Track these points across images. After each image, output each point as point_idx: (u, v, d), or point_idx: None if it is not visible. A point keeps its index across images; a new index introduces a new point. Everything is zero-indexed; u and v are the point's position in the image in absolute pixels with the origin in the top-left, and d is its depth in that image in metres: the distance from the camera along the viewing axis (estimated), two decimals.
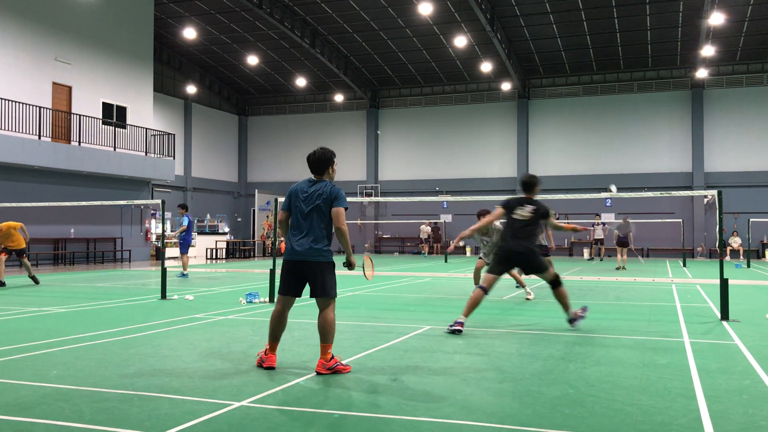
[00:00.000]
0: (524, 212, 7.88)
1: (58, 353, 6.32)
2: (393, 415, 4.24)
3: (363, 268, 6.47)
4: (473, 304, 7.73)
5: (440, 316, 9.37)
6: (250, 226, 38.27)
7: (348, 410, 4.33)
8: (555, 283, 7.93)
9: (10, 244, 14.46)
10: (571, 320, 7.93)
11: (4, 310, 9.85)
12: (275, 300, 5.40)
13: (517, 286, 13.31)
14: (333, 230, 5.74)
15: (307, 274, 5.59)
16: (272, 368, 5.56)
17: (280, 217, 5.82)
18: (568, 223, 8.20)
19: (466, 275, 18.10)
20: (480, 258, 11.62)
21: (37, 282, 14.59)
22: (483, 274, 8.22)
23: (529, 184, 8.18)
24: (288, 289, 5.68)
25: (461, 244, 11.73)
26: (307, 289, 5.69)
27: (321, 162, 5.75)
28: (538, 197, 8.23)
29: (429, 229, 34.58)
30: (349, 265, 5.88)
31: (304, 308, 10.16)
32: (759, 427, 4.01)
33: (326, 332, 5.50)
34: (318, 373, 5.36)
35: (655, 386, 5.03)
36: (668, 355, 6.30)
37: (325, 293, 5.58)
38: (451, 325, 7.65)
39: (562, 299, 7.93)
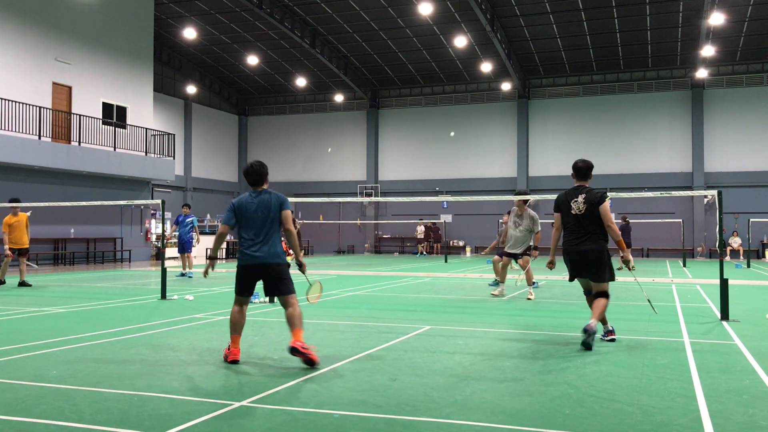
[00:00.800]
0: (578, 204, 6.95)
1: (58, 353, 6.32)
2: (393, 415, 4.24)
3: (309, 290, 6.75)
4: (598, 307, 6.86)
5: (440, 316, 9.37)
6: None
7: (348, 410, 4.33)
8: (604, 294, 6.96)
9: (12, 244, 14.33)
10: (605, 334, 7.11)
11: (4, 310, 9.85)
12: (235, 301, 5.94)
13: (493, 283, 13.37)
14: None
15: (268, 276, 6.05)
16: (236, 362, 5.86)
17: (222, 230, 6.23)
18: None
19: (466, 275, 18.10)
20: (505, 254, 12.01)
21: (27, 285, 14.12)
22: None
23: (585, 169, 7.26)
24: (245, 291, 6.14)
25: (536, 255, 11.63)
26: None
27: (259, 174, 6.22)
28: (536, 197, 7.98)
29: (423, 228, 34.74)
30: (299, 265, 6.28)
31: (304, 308, 10.15)
32: (759, 427, 4.01)
33: (298, 319, 5.99)
34: (292, 349, 5.74)
35: (655, 386, 5.03)
36: (668, 355, 6.30)
37: (288, 291, 6.05)
38: (603, 336, 7.04)
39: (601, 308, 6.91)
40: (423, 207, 35.95)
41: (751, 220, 26.74)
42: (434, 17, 28.97)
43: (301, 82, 36.69)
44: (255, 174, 6.21)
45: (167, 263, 17.31)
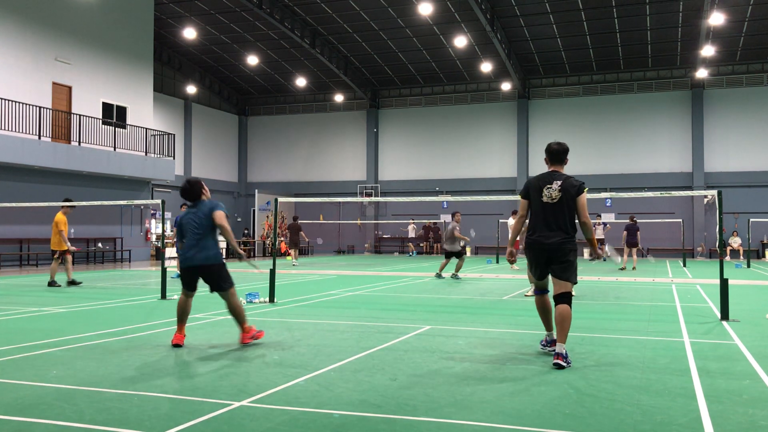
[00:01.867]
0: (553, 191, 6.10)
1: (58, 353, 6.32)
2: (393, 415, 4.24)
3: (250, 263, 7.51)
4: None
5: (440, 316, 9.37)
6: (251, 226, 38.27)
7: (348, 410, 4.33)
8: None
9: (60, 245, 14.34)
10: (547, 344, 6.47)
11: (4, 310, 9.85)
12: (182, 292, 6.89)
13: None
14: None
15: (204, 276, 6.81)
16: (179, 345, 6.61)
17: (176, 239, 7.20)
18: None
19: (466, 275, 18.10)
20: None
21: (56, 285, 14.20)
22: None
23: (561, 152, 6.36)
24: (189, 287, 6.88)
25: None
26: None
27: (193, 192, 6.92)
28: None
29: (413, 227, 35.05)
30: (239, 255, 6.93)
31: (304, 308, 10.17)
32: (759, 427, 4.01)
33: (238, 314, 6.80)
34: (244, 344, 6.67)
35: (655, 386, 5.03)
36: (668, 355, 6.30)
37: (222, 288, 6.80)
38: (543, 345, 6.52)
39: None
40: (423, 207, 35.95)
41: (751, 220, 26.74)
42: (434, 17, 28.97)
43: (301, 82, 36.69)
44: (189, 191, 6.92)
45: (167, 263, 17.34)
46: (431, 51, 32.92)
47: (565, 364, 5.67)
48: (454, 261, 17.23)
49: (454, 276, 16.45)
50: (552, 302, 6.23)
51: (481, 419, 4.13)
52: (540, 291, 6.35)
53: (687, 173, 32.35)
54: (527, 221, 6.32)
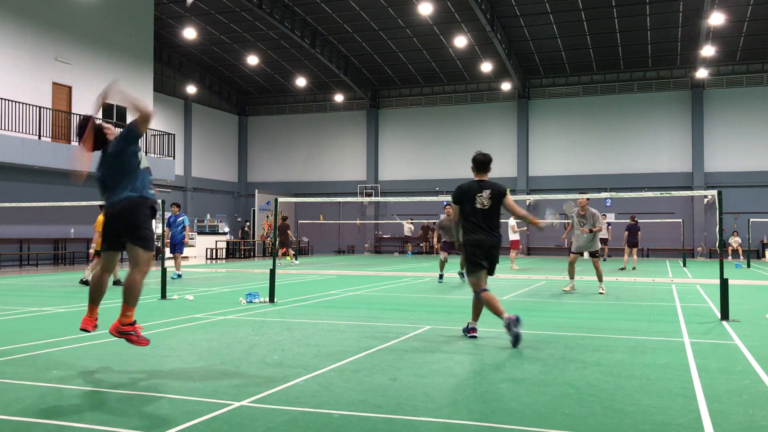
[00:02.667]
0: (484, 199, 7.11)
1: (58, 353, 6.32)
2: (393, 415, 4.24)
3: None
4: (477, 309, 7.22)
5: (440, 316, 9.37)
6: (251, 226, 38.26)
7: (348, 410, 4.33)
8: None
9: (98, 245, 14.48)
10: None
11: (4, 310, 9.85)
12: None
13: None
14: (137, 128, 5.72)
15: (121, 218, 5.50)
16: (86, 331, 5.66)
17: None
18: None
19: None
20: (572, 252, 12.97)
21: (121, 284, 14.32)
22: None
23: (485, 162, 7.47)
24: (110, 244, 5.64)
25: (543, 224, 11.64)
26: None
27: (81, 128, 5.90)
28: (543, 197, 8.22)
29: (410, 227, 35.16)
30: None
31: (304, 308, 10.17)
32: (759, 427, 4.01)
33: (130, 293, 5.46)
34: (110, 334, 5.49)
35: (655, 386, 5.03)
36: (668, 355, 6.30)
37: (138, 239, 5.45)
38: (466, 332, 7.28)
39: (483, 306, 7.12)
40: (423, 207, 35.95)
41: (751, 220, 26.73)
42: (434, 17, 28.97)
43: (301, 82, 36.69)
44: (81, 128, 5.94)
45: (167, 263, 17.33)
46: (431, 51, 32.91)
47: (519, 327, 6.65)
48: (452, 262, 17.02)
49: (461, 273, 15.50)
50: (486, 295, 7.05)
51: (481, 419, 4.13)
52: (483, 289, 7.06)
53: (687, 173, 32.35)
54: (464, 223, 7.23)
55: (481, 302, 7.04)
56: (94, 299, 5.66)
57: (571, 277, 13.01)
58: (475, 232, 7.08)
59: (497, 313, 6.86)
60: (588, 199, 12.68)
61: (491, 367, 5.79)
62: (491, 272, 7.13)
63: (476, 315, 7.21)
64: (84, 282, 14.37)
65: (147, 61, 27.47)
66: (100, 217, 14.36)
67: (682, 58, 32.16)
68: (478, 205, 7.09)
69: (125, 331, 5.37)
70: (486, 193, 7.14)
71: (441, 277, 15.92)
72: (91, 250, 14.74)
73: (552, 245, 33.23)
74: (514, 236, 21.56)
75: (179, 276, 16.86)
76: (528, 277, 17.32)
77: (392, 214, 36.47)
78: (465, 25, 29.51)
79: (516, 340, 6.60)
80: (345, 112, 38.66)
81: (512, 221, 21.83)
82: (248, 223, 37.60)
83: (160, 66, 33.06)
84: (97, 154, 5.93)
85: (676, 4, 27.11)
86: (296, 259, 26.47)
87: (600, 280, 12.78)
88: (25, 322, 8.65)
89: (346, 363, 5.86)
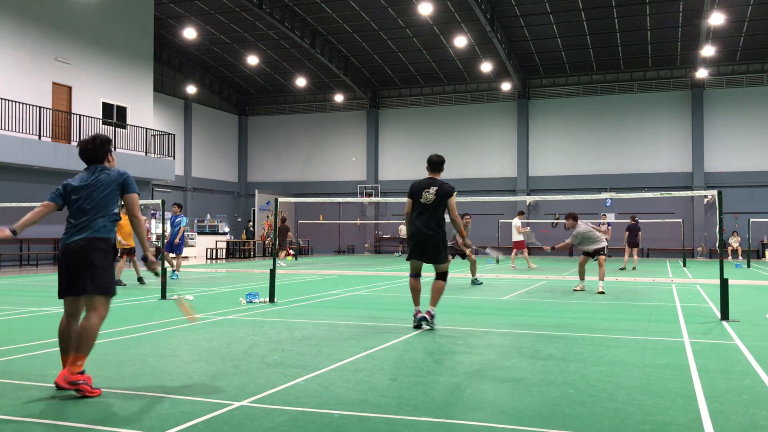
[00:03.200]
0: (429, 195, 7.91)
1: (58, 353, 6.31)
2: (393, 415, 4.24)
3: (181, 304, 5.78)
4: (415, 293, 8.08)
5: (440, 316, 9.36)
6: (253, 225, 38.25)
7: (348, 410, 4.33)
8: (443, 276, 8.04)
9: (119, 245, 14.54)
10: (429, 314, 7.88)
11: (4, 310, 9.85)
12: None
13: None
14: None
15: (79, 263, 4.84)
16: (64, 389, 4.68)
17: (47, 210, 5.17)
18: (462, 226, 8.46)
19: (466, 275, 18.09)
20: (584, 254, 13.16)
21: (143, 283, 14.57)
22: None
23: (438, 163, 8.29)
24: (66, 290, 4.93)
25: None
26: None
27: (98, 149, 5.16)
28: (544, 197, 8.55)
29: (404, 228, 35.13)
30: (145, 259, 5.22)
31: (304, 308, 10.17)
32: (759, 427, 4.01)
33: (84, 340, 4.74)
34: (57, 386, 4.66)
35: (655, 386, 5.03)
36: (668, 355, 6.30)
37: (96, 288, 4.75)
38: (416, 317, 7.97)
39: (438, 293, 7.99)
40: None
41: (751, 220, 26.74)
42: (434, 17, 28.96)
43: (301, 82, 36.69)
44: (94, 150, 5.19)
45: (174, 262, 17.36)
46: (431, 51, 32.91)
47: (429, 323, 7.77)
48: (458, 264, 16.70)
49: (475, 281, 15.07)
50: (419, 283, 8.01)
51: (481, 419, 4.13)
52: (414, 274, 8.02)
53: (687, 173, 32.35)
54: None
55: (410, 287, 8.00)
56: (65, 349, 4.87)
57: (582, 277, 13.18)
58: (413, 224, 7.90)
59: (414, 301, 7.95)
60: (572, 218, 12.83)
61: (491, 367, 5.79)
62: (428, 261, 7.90)
63: (415, 300, 7.99)
64: (141, 280, 14.77)
65: (147, 61, 27.46)
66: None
67: (682, 58, 32.16)
68: (423, 200, 7.87)
69: (75, 380, 4.60)
70: (432, 189, 7.88)
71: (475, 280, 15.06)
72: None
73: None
74: (517, 237, 21.55)
75: (175, 276, 16.93)
76: (528, 277, 17.32)
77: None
78: (465, 25, 29.51)
79: (418, 326, 7.82)
80: (345, 112, 38.65)
81: (517, 221, 21.82)
82: (251, 222, 37.62)
83: (160, 66, 33.06)
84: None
85: (676, 4, 27.10)
86: (291, 258, 26.48)
87: (601, 279, 12.84)
88: (25, 322, 8.65)
89: (346, 363, 5.86)
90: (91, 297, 4.80)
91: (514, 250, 21.76)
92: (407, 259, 8.08)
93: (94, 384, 4.75)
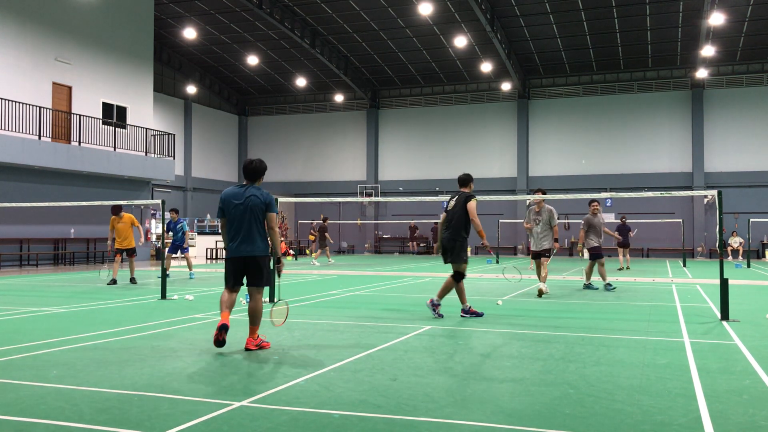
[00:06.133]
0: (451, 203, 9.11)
1: (58, 353, 6.32)
2: (393, 415, 4.24)
3: (272, 314, 6.84)
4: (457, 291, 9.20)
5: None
6: None
7: (348, 410, 4.33)
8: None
9: (122, 244, 14.72)
10: (465, 311, 9.09)
11: (4, 310, 9.85)
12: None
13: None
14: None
15: (248, 266, 6.51)
16: (225, 327, 6.22)
17: (222, 224, 6.69)
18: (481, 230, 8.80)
19: (466, 275, 18.07)
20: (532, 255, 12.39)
21: (134, 283, 14.73)
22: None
23: (464, 180, 9.36)
24: (234, 282, 6.57)
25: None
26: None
27: (257, 172, 6.68)
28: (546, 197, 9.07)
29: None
30: (278, 261, 6.78)
31: (304, 308, 10.17)
32: (759, 427, 4.01)
33: (256, 317, 6.50)
34: (247, 349, 6.37)
35: (655, 386, 5.03)
36: (668, 355, 6.30)
37: (258, 283, 6.57)
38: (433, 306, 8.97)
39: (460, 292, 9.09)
40: (423, 207, 35.96)
41: (751, 220, 26.75)
42: (434, 17, 28.97)
43: (301, 82, 36.69)
44: (254, 171, 6.68)
45: (173, 263, 17.42)
46: (431, 51, 32.92)
47: (434, 311, 9.02)
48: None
49: (608, 285, 13.55)
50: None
51: (481, 419, 4.13)
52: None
53: (687, 173, 32.36)
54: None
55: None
56: (229, 308, 6.53)
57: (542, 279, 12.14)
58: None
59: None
60: (542, 200, 11.89)
61: (491, 367, 5.79)
62: (447, 262, 9.17)
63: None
64: (132, 280, 14.87)
65: (147, 61, 27.47)
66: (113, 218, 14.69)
67: (682, 58, 32.16)
68: (448, 208, 9.18)
69: (258, 344, 6.48)
70: (453, 200, 9.12)
71: (609, 284, 13.53)
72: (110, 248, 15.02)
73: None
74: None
75: (193, 276, 17.23)
76: (528, 277, 17.31)
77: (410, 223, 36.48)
78: (465, 25, 29.51)
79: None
80: (345, 112, 38.66)
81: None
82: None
83: (160, 66, 33.06)
84: None
85: (676, 4, 27.11)
86: (291, 258, 26.47)
87: (540, 279, 11.91)
88: (25, 322, 8.65)
89: (346, 363, 5.86)
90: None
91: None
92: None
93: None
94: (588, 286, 13.54)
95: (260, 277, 6.53)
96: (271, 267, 7.25)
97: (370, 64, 35.26)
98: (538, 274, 12.11)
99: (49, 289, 13.81)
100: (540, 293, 11.81)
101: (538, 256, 12.06)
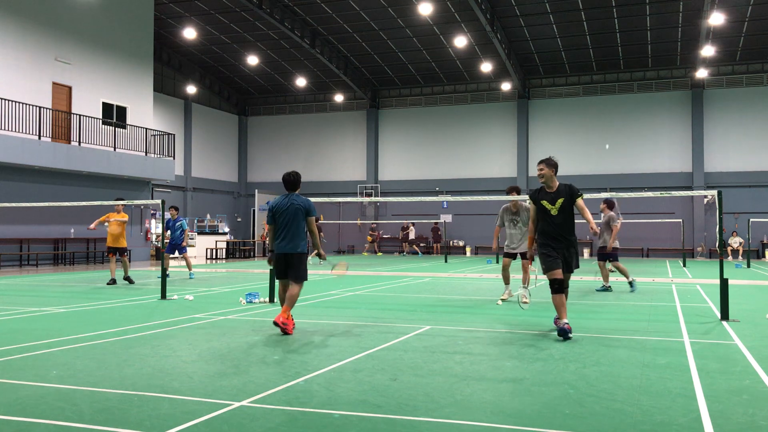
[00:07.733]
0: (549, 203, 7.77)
1: (58, 353, 6.32)
2: (393, 415, 4.24)
3: (335, 267, 8.63)
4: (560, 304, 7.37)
5: (440, 316, 9.37)
6: (250, 226, 38.26)
7: (348, 410, 4.33)
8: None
9: (114, 244, 14.79)
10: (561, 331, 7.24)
11: (4, 310, 9.85)
12: (276, 297, 7.34)
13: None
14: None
15: (288, 261, 7.79)
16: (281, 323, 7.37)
17: (268, 229, 8.08)
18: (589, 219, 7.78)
19: (466, 275, 18.10)
20: (506, 255, 11.01)
21: (132, 282, 14.74)
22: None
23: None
24: (280, 274, 7.88)
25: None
26: None
27: (296, 183, 8.19)
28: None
29: (413, 229, 35.47)
30: (319, 256, 8.24)
31: (304, 308, 10.17)
32: (759, 427, 4.01)
33: (292, 300, 7.61)
34: (274, 323, 7.37)
35: (655, 386, 5.03)
36: (668, 355, 6.30)
37: (298, 278, 7.75)
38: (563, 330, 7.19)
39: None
40: (423, 207, 35.96)
41: (751, 220, 26.75)
42: (434, 17, 28.97)
43: (301, 82, 36.69)
44: (293, 183, 8.15)
45: (172, 263, 17.42)
46: (431, 51, 32.91)
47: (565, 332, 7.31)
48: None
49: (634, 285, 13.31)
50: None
51: (481, 419, 4.13)
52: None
53: (687, 173, 32.36)
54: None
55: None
56: (282, 300, 7.93)
57: (507, 282, 11.23)
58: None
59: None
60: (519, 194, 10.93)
61: (491, 367, 5.79)
62: (569, 270, 7.78)
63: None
64: (127, 279, 14.83)
65: (147, 61, 27.47)
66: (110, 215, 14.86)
67: (682, 58, 32.16)
68: (548, 209, 7.80)
69: (284, 322, 7.48)
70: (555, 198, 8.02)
71: (631, 283, 13.30)
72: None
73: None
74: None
75: (193, 276, 17.25)
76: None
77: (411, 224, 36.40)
78: (465, 25, 29.51)
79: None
80: (345, 112, 38.65)
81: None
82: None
83: (160, 66, 33.06)
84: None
85: (676, 4, 27.11)
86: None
87: (506, 283, 11.15)
88: (25, 322, 8.65)
89: (346, 363, 5.86)
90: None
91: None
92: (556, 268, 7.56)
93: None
94: (605, 289, 13.30)
95: (298, 271, 7.70)
96: (308, 261, 8.47)
97: (370, 64, 35.26)
98: (524, 279, 10.76)
99: (49, 289, 13.81)
100: (503, 300, 10.96)
101: (515, 256, 10.99)
